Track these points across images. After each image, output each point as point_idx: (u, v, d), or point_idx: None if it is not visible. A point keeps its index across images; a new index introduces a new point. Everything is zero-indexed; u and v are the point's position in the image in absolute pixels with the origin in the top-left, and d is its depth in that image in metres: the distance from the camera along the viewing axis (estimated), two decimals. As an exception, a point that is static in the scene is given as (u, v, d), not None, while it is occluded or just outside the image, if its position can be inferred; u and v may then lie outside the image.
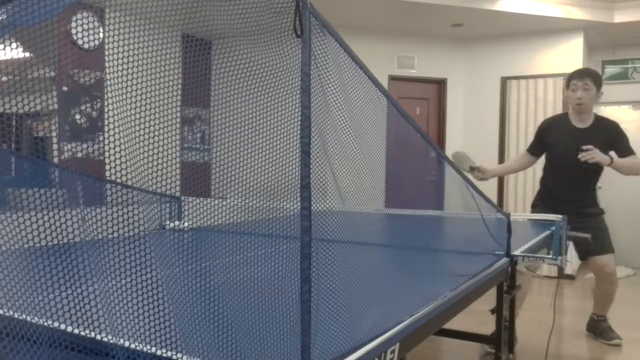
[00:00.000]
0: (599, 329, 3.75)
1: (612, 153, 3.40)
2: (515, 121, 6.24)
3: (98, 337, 1.10)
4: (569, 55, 6.01)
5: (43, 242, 1.04)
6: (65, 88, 4.56)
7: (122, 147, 1.10)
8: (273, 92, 1.24)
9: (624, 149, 3.44)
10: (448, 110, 6.51)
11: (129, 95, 1.09)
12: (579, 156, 3.23)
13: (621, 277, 6.05)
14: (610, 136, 3.44)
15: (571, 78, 3.52)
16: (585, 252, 3.50)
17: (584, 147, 3.23)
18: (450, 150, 6.42)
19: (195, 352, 1.06)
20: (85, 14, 1.48)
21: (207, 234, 1.46)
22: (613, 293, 3.67)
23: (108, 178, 1.20)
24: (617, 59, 6.61)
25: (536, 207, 3.69)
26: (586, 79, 3.43)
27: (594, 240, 3.04)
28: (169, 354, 1.06)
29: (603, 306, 3.75)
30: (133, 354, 1.06)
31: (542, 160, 3.72)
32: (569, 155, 3.38)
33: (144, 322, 1.10)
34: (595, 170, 3.45)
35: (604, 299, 3.72)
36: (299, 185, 1.05)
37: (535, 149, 3.72)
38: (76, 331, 1.11)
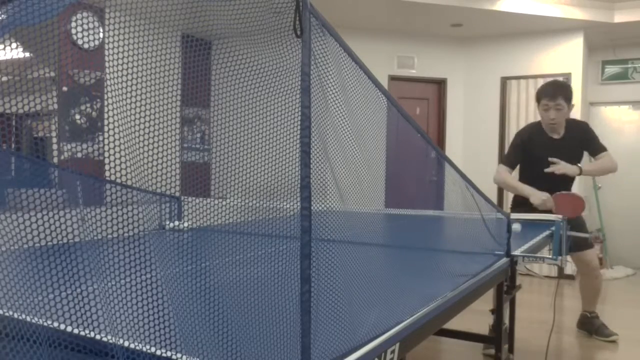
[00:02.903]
0: (593, 326, 3.78)
1: (583, 161, 3.56)
2: (515, 121, 6.24)
3: (98, 337, 1.10)
4: (569, 55, 6.01)
5: (43, 242, 1.04)
6: (65, 88, 4.56)
7: (122, 147, 1.10)
8: (273, 92, 1.24)
9: (596, 149, 3.61)
10: (448, 110, 6.51)
11: (129, 95, 1.09)
12: (546, 170, 3.35)
13: (621, 277, 6.05)
14: (582, 140, 3.59)
15: (542, 96, 3.52)
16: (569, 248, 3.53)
17: (551, 160, 3.36)
18: (450, 150, 6.43)
19: (195, 352, 1.06)
20: (85, 14, 1.48)
21: (207, 234, 1.46)
22: (599, 287, 3.75)
23: (108, 178, 1.20)
24: (617, 59, 6.61)
25: (516, 208, 3.67)
26: (558, 99, 3.44)
27: (576, 237, 3.09)
28: (169, 354, 1.06)
29: (592, 302, 3.80)
30: (133, 354, 1.06)
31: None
32: (547, 166, 3.52)
33: (143, 322, 1.10)
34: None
35: (592, 294, 3.77)
36: (299, 185, 1.05)
37: (516, 162, 3.66)
38: (76, 331, 1.11)
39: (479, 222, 2.20)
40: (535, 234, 2.91)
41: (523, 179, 3.66)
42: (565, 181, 3.54)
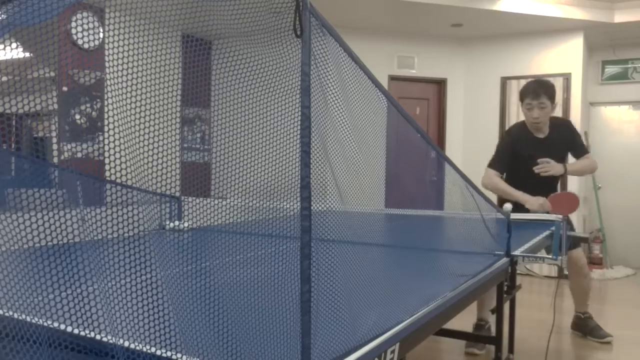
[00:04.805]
0: (587, 327, 3.75)
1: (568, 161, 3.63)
2: (515, 121, 6.22)
3: (98, 337, 1.10)
4: (569, 55, 6.01)
5: (43, 242, 1.04)
6: (65, 88, 4.56)
7: (122, 147, 1.10)
8: (273, 92, 1.24)
9: (580, 150, 3.69)
10: (448, 110, 6.51)
11: (129, 95, 1.09)
12: (534, 168, 3.38)
13: (621, 277, 6.05)
14: (568, 140, 3.62)
15: (525, 96, 3.52)
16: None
17: (539, 160, 3.39)
18: (450, 150, 6.43)
19: (195, 352, 1.06)
20: (85, 14, 1.48)
21: (207, 234, 1.46)
22: (589, 286, 3.75)
23: (108, 178, 1.20)
24: (617, 59, 6.60)
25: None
26: (541, 97, 3.43)
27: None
28: (169, 354, 1.06)
29: (583, 301, 3.78)
30: (133, 354, 1.06)
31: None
32: (533, 166, 3.52)
33: (144, 322, 1.10)
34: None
35: (581, 293, 3.75)
36: (299, 185, 1.05)
37: (505, 165, 3.58)
38: (76, 331, 1.11)
39: (479, 222, 2.21)
40: (535, 234, 2.91)
41: (509, 179, 3.59)
42: (551, 180, 3.55)
